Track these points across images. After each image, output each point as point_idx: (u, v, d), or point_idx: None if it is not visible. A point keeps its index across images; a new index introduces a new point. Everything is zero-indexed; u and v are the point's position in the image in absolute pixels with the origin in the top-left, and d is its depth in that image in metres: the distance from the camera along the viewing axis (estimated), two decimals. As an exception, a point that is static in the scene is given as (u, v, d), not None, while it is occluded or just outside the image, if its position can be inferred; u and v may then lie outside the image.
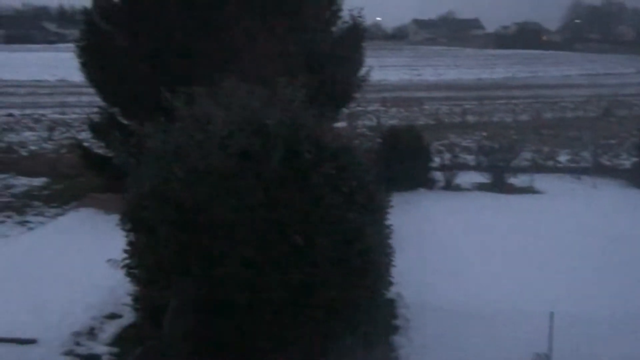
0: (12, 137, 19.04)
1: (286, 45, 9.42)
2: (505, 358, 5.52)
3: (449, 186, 12.42)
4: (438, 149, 15.03)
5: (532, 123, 21.89)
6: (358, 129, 18.64)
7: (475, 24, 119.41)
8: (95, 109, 11.32)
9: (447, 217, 10.04)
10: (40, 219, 10.42)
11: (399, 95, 30.76)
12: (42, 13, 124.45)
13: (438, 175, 12.70)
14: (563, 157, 15.36)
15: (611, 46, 78.74)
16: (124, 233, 5.28)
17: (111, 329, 6.29)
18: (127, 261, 5.25)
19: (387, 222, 5.49)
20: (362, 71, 11.30)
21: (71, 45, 11.17)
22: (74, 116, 22.78)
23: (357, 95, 11.80)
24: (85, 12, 10.70)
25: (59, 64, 39.01)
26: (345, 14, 11.01)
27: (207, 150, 4.75)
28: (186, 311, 4.66)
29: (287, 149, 4.74)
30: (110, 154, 9.46)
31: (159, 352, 4.84)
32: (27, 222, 10.21)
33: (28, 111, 25.06)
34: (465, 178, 12.73)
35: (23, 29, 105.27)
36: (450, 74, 47.88)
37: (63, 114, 24.33)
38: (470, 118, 23.26)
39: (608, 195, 11.94)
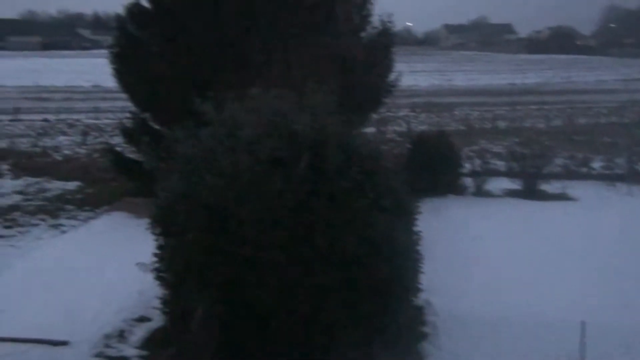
0: (47, 142, 19.40)
1: (316, 50, 9.44)
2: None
3: (480, 192, 12.30)
4: (468, 155, 14.91)
5: (565, 129, 21.60)
6: (387, 135, 18.59)
7: (507, 28, 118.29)
8: (128, 114, 11.47)
9: (478, 224, 9.93)
10: (73, 222, 10.57)
11: (429, 100, 30.61)
12: (77, 20, 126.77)
13: (468, 181, 12.60)
14: (597, 164, 15.08)
15: (647, 51, 77.38)
16: (153, 237, 5.33)
17: (141, 331, 6.34)
18: (157, 265, 5.30)
19: (416, 228, 5.45)
20: (392, 76, 11.27)
21: (105, 51, 11.35)
22: (107, 121, 23.13)
23: (387, 100, 11.77)
24: (118, 19, 10.87)
25: (93, 70, 39.64)
26: (375, 20, 11.02)
27: (235, 155, 4.77)
28: (213, 315, 4.68)
29: (315, 154, 4.74)
30: (141, 159, 9.56)
31: (186, 355, 4.86)
32: (61, 225, 10.37)
33: (63, 116, 25.51)
34: (496, 184, 12.59)
35: (59, 36, 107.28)
36: (482, 80, 47.52)
37: (96, 119, 24.72)
38: (502, 124, 23.05)
39: (644, 203, 11.70)
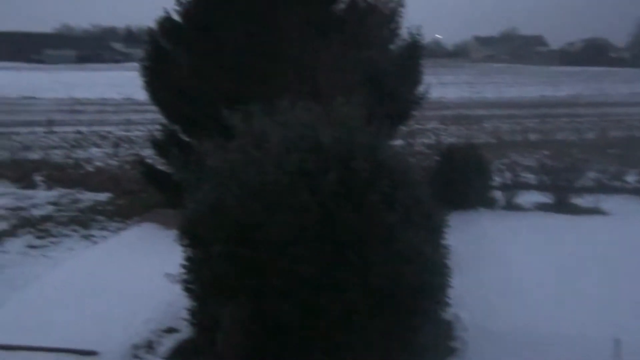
0: (79, 154, 19.72)
1: (344, 63, 9.46)
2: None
3: (510, 206, 12.15)
4: (498, 168, 14.75)
5: (598, 142, 21.26)
6: (416, 147, 18.51)
7: (538, 40, 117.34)
8: (158, 127, 11.60)
9: (508, 238, 9.81)
10: (104, 233, 10.70)
11: (458, 112, 30.42)
12: (110, 34, 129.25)
13: (498, 195, 12.45)
14: (631, 177, 14.78)
15: (683, 63, 76.03)
16: (181, 248, 5.37)
17: (169, 342, 6.37)
18: (184, 276, 5.33)
19: (445, 242, 5.40)
20: (421, 89, 11.24)
21: (136, 64, 11.51)
22: (137, 133, 23.43)
23: (416, 113, 11.73)
24: (149, 32, 11.03)
25: (125, 83, 40.23)
26: (403, 32, 11.02)
27: (263, 167, 4.79)
28: (240, 328, 4.68)
29: (343, 167, 4.73)
30: (170, 171, 9.66)
31: (213, 367, 4.87)
32: (92, 236, 10.50)
33: (95, 128, 25.92)
34: (527, 198, 12.42)
35: (92, 49, 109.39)
36: (512, 92, 47.10)
37: (128, 131, 25.06)
38: (533, 136, 22.79)
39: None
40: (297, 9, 9.71)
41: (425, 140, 20.81)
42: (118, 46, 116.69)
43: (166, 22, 10.61)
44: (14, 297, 7.47)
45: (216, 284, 4.89)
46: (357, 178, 4.74)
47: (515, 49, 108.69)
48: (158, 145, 11.04)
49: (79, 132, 24.75)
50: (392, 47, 11.09)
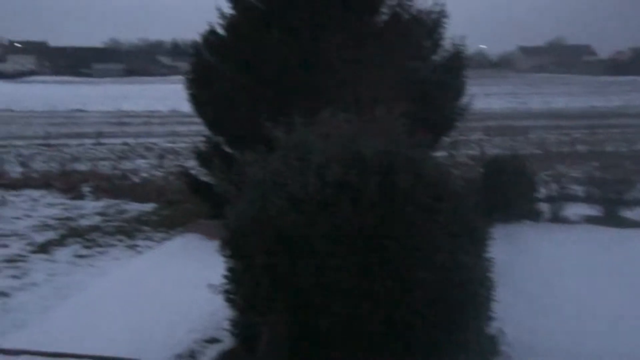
0: (126, 165, 20.12)
1: (386, 74, 9.44)
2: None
3: (556, 218, 11.90)
4: (544, 180, 14.48)
5: (649, 153, 20.74)
6: (460, 158, 18.32)
7: (586, 50, 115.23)
8: (202, 138, 11.76)
9: (554, 251, 9.60)
10: (148, 243, 10.87)
11: (503, 123, 30.03)
12: (157, 47, 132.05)
13: (544, 207, 12.21)
14: (684, 190, 14.35)
15: None
16: (224, 259, 5.41)
17: (211, 352, 6.40)
18: (227, 287, 5.36)
19: (488, 255, 5.31)
20: (464, 99, 11.14)
21: (182, 77, 11.71)
22: (182, 145, 23.79)
23: (459, 124, 11.62)
24: (194, 46, 11.22)
25: (171, 95, 40.95)
26: (446, 43, 10.95)
27: (304, 179, 4.80)
28: (281, 340, 4.68)
29: (384, 178, 4.71)
30: (214, 182, 9.76)
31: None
32: (137, 245, 10.68)
33: (141, 140, 26.43)
34: (574, 210, 12.15)
35: (140, 63, 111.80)
36: (559, 102, 46.31)
37: (173, 142, 25.49)
38: (580, 147, 22.35)
39: None
40: (338, 21, 9.75)
41: (469, 152, 20.58)
42: (164, 59, 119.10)
43: (210, 36, 10.77)
44: (61, 306, 7.63)
45: (257, 295, 4.91)
46: (398, 190, 4.71)
47: (562, 58, 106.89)
48: (202, 157, 11.18)
49: (126, 144, 25.27)
50: (434, 58, 11.03)
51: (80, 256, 9.96)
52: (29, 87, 71.17)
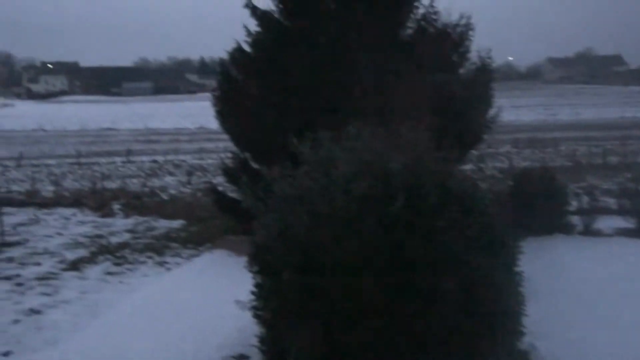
0: (155, 182, 20.36)
1: (412, 88, 9.41)
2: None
3: (588, 231, 11.69)
4: (575, 192, 14.28)
5: (683, 164, 20.35)
6: (488, 171, 18.17)
7: (616, 60, 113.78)
8: (229, 155, 11.84)
9: (586, 265, 9.41)
10: (177, 259, 10.94)
11: (532, 135, 29.75)
12: (185, 65, 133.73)
13: (576, 220, 12.01)
14: None
15: None
16: (251, 275, 5.41)
17: (240, 369, 6.40)
18: (254, 303, 5.36)
19: (518, 268, 5.23)
20: (492, 112, 11.05)
21: (209, 94, 11.83)
22: (210, 161, 24.02)
23: (487, 136, 11.53)
24: (221, 63, 11.34)
25: (199, 113, 41.39)
26: (473, 55, 10.90)
27: (330, 194, 4.78)
28: (309, 356, 4.65)
29: (410, 193, 4.67)
30: (241, 198, 9.80)
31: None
32: (165, 262, 10.76)
33: (170, 157, 26.74)
34: (607, 223, 11.93)
35: (168, 81, 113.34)
36: (589, 113, 45.78)
37: (201, 159, 25.74)
38: (612, 159, 22.02)
39: None
40: (364, 35, 9.77)
41: (498, 164, 20.41)
42: (192, 77, 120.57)
43: (237, 53, 10.87)
44: (92, 323, 7.69)
45: (285, 310, 4.89)
46: (425, 204, 4.67)
47: (592, 69, 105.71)
48: (229, 173, 11.26)
49: (155, 161, 25.58)
50: (461, 70, 10.98)
51: (111, 273, 10.06)
52: (60, 107, 72.52)
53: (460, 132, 9.79)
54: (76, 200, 16.89)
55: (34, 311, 8.14)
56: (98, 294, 8.99)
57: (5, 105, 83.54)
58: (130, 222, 14.38)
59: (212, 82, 12.42)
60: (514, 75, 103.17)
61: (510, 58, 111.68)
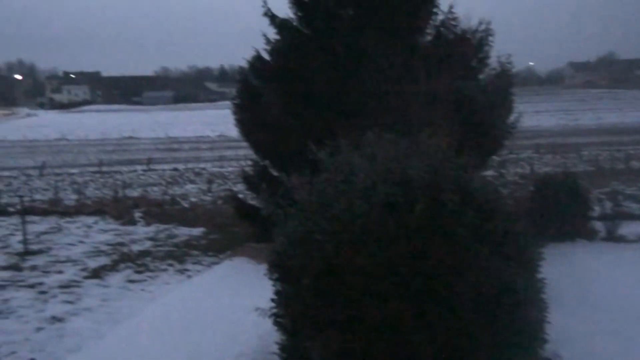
0: (176, 190, 20.49)
1: (432, 94, 9.39)
2: None
3: (612, 237, 11.54)
4: (598, 197, 14.12)
5: None
6: (509, 177, 18.03)
7: (639, 64, 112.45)
8: (249, 162, 11.89)
9: (610, 271, 9.29)
10: (198, 267, 10.99)
11: (554, 141, 29.51)
12: (205, 74, 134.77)
13: (599, 225, 11.87)
14: None
15: None
16: (271, 282, 5.41)
17: (260, 376, 6.40)
18: (274, 310, 5.35)
19: (540, 275, 5.17)
20: (512, 118, 10.98)
21: (229, 102, 11.90)
22: (230, 169, 24.13)
23: (508, 142, 11.45)
24: (240, 71, 11.40)
25: (219, 121, 41.66)
26: (493, 61, 10.85)
27: (350, 200, 4.77)
28: (329, 363, 4.64)
29: (430, 199, 4.65)
30: (261, 205, 9.82)
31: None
32: (186, 270, 10.80)
33: (191, 165, 26.91)
34: (631, 228, 11.76)
35: (188, 89, 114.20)
36: (612, 118, 45.28)
37: (221, 167, 25.86)
38: (635, 164, 21.74)
39: None
40: (383, 42, 9.77)
41: (519, 170, 20.26)
42: (212, 86, 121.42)
43: (256, 61, 10.93)
44: (114, 331, 7.75)
45: (305, 318, 4.88)
46: (445, 210, 4.64)
47: (614, 73, 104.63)
48: (249, 181, 11.30)
49: (176, 169, 25.75)
50: (481, 76, 10.94)
51: (132, 281, 10.13)
52: (83, 116, 73.37)
53: (481, 138, 9.74)
54: (98, 209, 17.06)
55: (57, 319, 8.22)
56: (119, 301, 9.05)
57: (29, 115, 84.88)
58: (151, 229, 14.48)
59: (232, 90, 12.49)
60: (534, 81, 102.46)
61: (531, 63, 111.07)
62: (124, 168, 27.19)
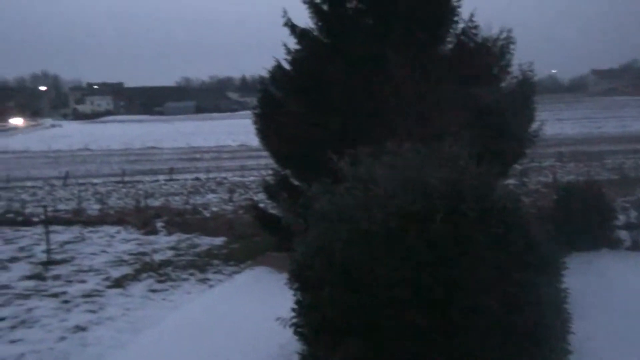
0: (197, 199, 20.59)
1: (453, 102, 9.35)
2: None
3: (637, 246, 11.36)
4: (623, 206, 13.92)
5: None
6: (531, 186, 17.87)
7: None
8: (270, 172, 11.92)
9: (634, 281, 9.14)
10: (219, 276, 11.02)
11: (577, 149, 29.20)
12: (226, 84, 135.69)
13: (623, 235, 11.70)
14: None
15: None
16: (291, 291, 5.41)
17: (281, 386, 6.40)
18: (295, 319, 5.35)
19: (563, 285, 5.11)
20: (534, 126, 10.88)
21: (250, 112, 11.96)
22: (251, 178, 24.21)
23: (529, 150, 11.35)
24: (261, 81, 11.46)
25: (240, 130, 41.85)
26: (514, 69, 10.77)
27: (370, 210, 4.76)
28: (350, 373, 4.62)
29: (451, 208, 4.62)
30: (281, 214, 9.84)
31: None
32: (208, 279, 10.85)
33: (212, 175, 27.04)
34: (657, 238, 11.59)
35: (210, 100, 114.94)
36: (636, 125, 44.69)
37: (242, 176, 25.96)
38: (661, 172, 21.45)
39: None
40: (404, 51, 9.75)
41: (542, 179, 20.07)
42: (233, 95, 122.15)
43: (276, 71, 10.97)
44: (136, 340, 7.80)
45: (326, 327, 4.87)
46: (465, 219, 4.61)
47: (638, 80, 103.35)
48: (270, 190, 11.32)
49: (197, 179, 25.90)
50: (503, 84, 10.86)
51: (154, 290, 10.19)
52: (106, 127, 74.18)
53: (502, 146, 9.66)
54: (120, 218, 17.21)
55: (80, 328, 8.30)
56: (142, 310, 9.11)
57: (53, 126, 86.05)
58: (173, 239, 14.57)
59: (253, 100, 12.55)
60: (557, 89, 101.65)
61: (554, 71, 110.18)
62: (146, 178, 27.42)
